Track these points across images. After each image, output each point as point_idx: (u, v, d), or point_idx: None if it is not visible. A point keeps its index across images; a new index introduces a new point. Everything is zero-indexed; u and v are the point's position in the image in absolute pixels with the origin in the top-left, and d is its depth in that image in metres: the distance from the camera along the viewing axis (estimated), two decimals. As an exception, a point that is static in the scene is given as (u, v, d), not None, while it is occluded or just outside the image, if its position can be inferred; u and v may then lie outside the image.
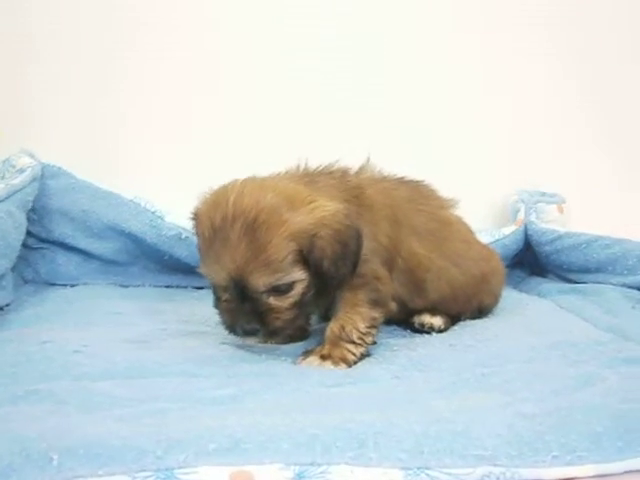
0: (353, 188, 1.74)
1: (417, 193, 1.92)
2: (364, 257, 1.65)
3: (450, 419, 1.21)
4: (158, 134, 2.61)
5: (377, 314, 1.70)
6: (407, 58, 2.77)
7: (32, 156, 2.33)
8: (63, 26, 2.55)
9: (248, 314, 1.53)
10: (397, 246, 1.78)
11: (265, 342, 1.70)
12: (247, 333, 1.56)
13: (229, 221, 1.50)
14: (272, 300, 1.55)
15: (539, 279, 2.68)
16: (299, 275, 1.55)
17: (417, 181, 1.96)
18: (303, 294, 1.58)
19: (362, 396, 1.37)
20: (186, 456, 1.06)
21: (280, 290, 1.54)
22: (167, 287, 2.45)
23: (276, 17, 2.64)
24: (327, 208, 1.57)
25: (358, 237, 1.60)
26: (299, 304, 1.58)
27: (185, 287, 2.46)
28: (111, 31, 2.57)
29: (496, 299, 2.12)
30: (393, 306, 1.78)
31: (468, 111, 2.83)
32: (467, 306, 2.02)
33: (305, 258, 1.53)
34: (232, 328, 1.58)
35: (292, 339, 1.81)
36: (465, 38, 2.80)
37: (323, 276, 1.57)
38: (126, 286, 2.41)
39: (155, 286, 2.44)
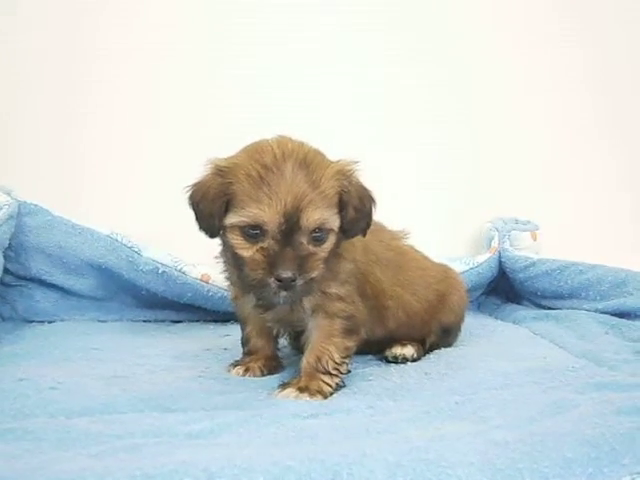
0: None
1: (373, 226, 1.95)
2: (344, 278, 1.69)
3: (423, 448, 1.22)
4: (134, 170, 2.64)
5: (351, 343, 1.72)
6: (392, 78, 2.85)
7: (9, 194, 2.33)
8: (38, 68, 2.63)
9: (289, 260, 1.50)
10: (367, 272, 1.81)
11: (287, 300, 1.59)
12: (283, 284, 1.50)
13: (280, 159, 1.54)
14: (311, 247, 1.55)
15: (514, 306, 2.71)
16: (336, 220, 1.59)
17: None
18: (329, 251, 1.60)
19: (337, 427, 1.38)
20: (161, 491, 1.07)
21: (318, 238, 1.56)
22: (145, 322, 2.46)
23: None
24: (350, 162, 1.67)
25: (372, 201, 1.68)
26: (326, 259, 1.58)
27: (163, 321, 2.47)
28: (84, 75, 2.67)
29: (458, 316, 2.12)
30: (364, 333, 1.78)
31: (442, 139, 2.87)
32: (426, 330, 2.04)
33: (339, 202, 1.60)
34: (265, 279, 1.51)
35: (270, 370, 1.83)
36: (445, 72, 2.86)
37: (343, 231, 1.63)
38: (104, 321, 2.41)
39: (133, 321, 2.45)
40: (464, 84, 2.88)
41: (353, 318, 1.72)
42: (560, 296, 2.53)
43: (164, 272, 2.36)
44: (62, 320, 2.38)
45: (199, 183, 1.63)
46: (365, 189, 1.67)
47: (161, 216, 2.56)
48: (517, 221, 2.86)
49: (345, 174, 1.62)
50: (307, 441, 1.29)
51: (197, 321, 2.49)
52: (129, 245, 2.39)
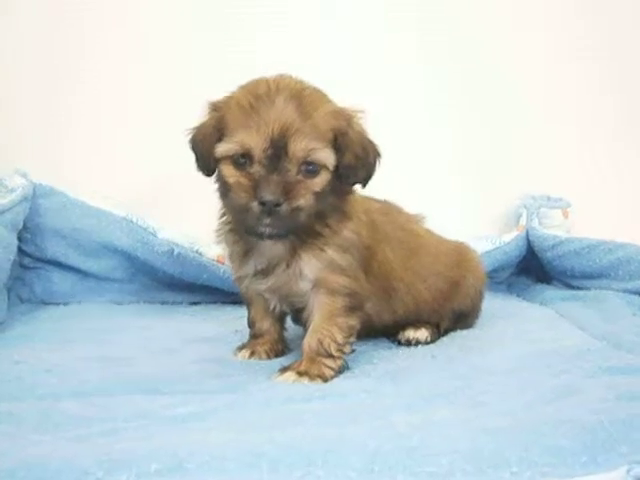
0: None
1: (387, 208, 1.90)
2: (345, 245, 1.63)
3: (407, 435, 1.17)
4: (150, 151, 2.61)
5: (354, 321, 1.66)
6: (408, 62, 2.77)
7: (25, 176, 2.34)
8: (47, 53, 2.62)
9: (274, 183, 1.46)
10: (373, 248, 1.75)
11: (274, 231, 1.52)
12: (266, 207, 1.46)
13: (273, 91, 1.51)
14: (301, 176, 1.51)
15: (543, 286, 2.63)
16: (330, 156, 1.53)
17: (384, 200, 1.93)
18: (323, 189, 1.54)
19: (326, 411, 1.34)
20: (127, 477, 1.04)
21: (309, 170, 1.52)
22: (162, 304, 2.44)
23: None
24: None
25: (376, 153, 1.64)
26: (318, 198, 1.53)
27: (180, 303, 2.45)
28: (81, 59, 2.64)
29: (474, 299, 2.05)
30: (368, 307, 1.73)
31: (469, 116, 2.80)
32: (436, 317, 1.97)
33: (336, 145, 1.55)
34: (249, 203, 1.48)
35: (276, 353, 1.81)
36: (474, 46, 2.78)
37: (340, 175, 1.57)
38: (121, 303, 2.41)
39: (150, 302, 2.44)
40: (494, 60, 2.79)
41: (356, 295, 1.66)
42: (589, 276, 2.43)
43: (179, 254, 2.34)
44: (79, 302, 2.38)
45: (198, 125, 1.63)
46: (370, 140, 1.63)
47: (177, 196, 2.54)
48: (549, 198, 2.75)
49: (344, 116, 1.58)
50: (291, 426, 1.24)
51: (215, 303, 2.46)
52: (144, 226, 2.37)
